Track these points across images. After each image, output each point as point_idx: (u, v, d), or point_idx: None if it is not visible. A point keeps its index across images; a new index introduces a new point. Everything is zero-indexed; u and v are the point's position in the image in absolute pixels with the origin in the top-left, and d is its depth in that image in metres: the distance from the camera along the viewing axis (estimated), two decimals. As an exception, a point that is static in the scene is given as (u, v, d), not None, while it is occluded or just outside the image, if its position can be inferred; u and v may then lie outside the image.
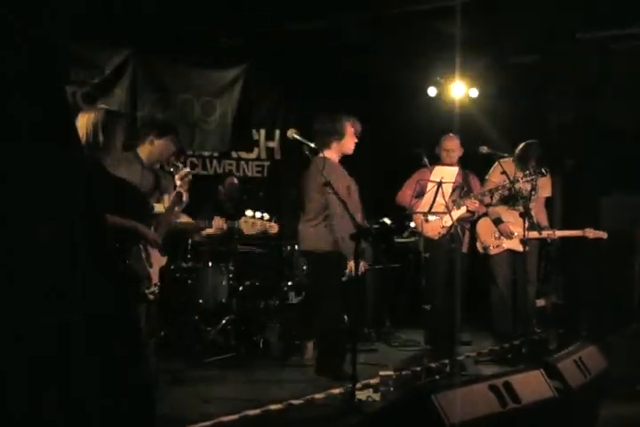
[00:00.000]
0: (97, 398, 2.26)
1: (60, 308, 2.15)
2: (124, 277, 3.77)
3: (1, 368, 2.04)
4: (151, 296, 4.17)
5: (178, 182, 4.51)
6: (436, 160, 6.43)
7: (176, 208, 4.48)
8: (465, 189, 6.36)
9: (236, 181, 7.36)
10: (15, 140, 2.10)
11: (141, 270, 4.11)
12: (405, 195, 6.45)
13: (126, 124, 4.17)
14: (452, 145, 6.45)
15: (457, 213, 6.09)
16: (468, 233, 6.52)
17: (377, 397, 4.71)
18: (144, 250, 4.16)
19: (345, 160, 5.63)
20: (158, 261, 4.28)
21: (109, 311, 2.34)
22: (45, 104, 2.20)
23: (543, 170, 6.06)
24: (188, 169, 4.65)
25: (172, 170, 4.65)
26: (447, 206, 5.75)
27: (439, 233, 6.15)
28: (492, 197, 6.43)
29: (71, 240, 2.21)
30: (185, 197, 4.52)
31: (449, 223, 6.11)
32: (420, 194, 6.27)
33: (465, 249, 6.47)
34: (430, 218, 5.99)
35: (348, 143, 5.52)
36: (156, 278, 4.22)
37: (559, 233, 6.44)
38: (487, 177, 6.56)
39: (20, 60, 2.13)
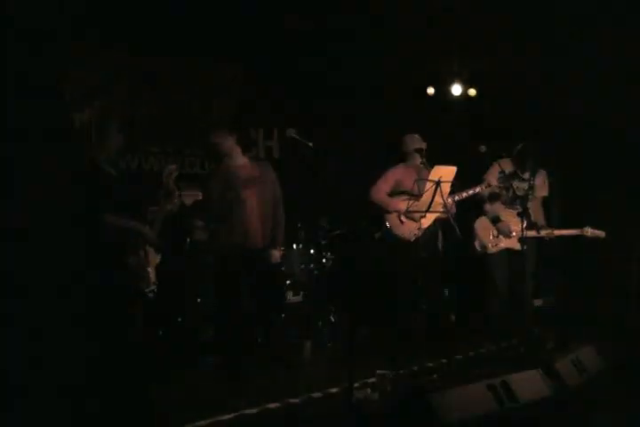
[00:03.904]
0: (95, 396, 2.26)
1: (59, 306, 2.15)
2: (125, 276, 3.79)
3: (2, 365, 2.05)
4: (150, 295, 4.18)
5: (165, 180, 4.50)
6: (403, 159, 6.45)
7: (168, 206, 4.47)
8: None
9: None
10: (16, 141, 2.10)
11: (141, 270, 4.12)
12: (381, 191, 6.36)
13: (122, 121, 4.17)
14: (421, 140, 6.42)
15: (435, 215, 6.06)
16: (440, 233, 6.45)
17: (375, 396, 4.70)
18: (143, 249, 4.17)
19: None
20: (154, 259, 4.29)
21: (108, 310, 2.34)
22: (45, 105, 2.20)
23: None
24: (173, 166, 4.66)
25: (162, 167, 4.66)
26: (445, 206, 5.75)
27: (415, 235, 6.08)
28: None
29: (71, 239, 2.21)
30: (175, 196, 4.51)
31: (426, 225, 6.08)
32: (397, 192, 6.26)
33: (440, 248, 6.41)
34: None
35: None
36: (153, 277, 4.23)
37: (558, 232, 6.44)
38: (484, 177, 6.55)
39: (21, 62, 2.13)
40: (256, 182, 5.54)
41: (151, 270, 4.23)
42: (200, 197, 4.74)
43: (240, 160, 5.63)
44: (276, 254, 5.67)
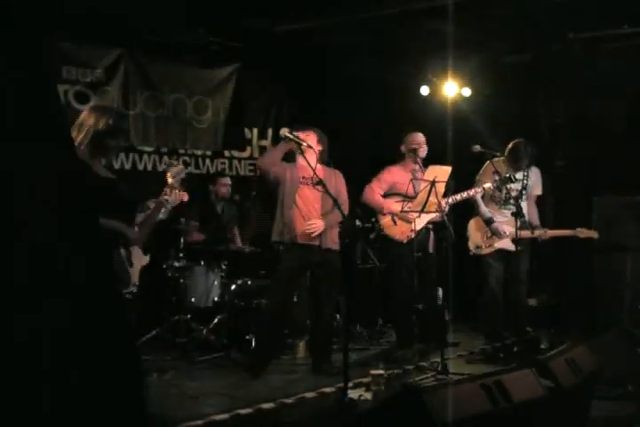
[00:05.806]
0: (89, 396, 2.26)
1: (52, 308, 2.15)
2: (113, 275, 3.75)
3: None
4: (128, 296, 4.12)
5: (170, 180, 4.42)
6: (401, 158, 6.42)
7: (163, 209, 4.38)
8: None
9: (229, 181, 7.22)
10: (8, 141, 2.09)
11: (120, 271, 4.04)
12: (374, 192, 6.30)
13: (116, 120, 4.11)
14: (419, 141, 6.39)
15: (428, 217, 6.06)
16: (432, 234, 6.43)
17: (368, 396, 4.71)
18: (125, 249, 4.11)
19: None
20: (140, 260, 4.22)
21: (102, 312, 2.33)
22: (38, 104, 2.20)
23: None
24: (182, 166, 4.54)
25: (165, 167, 4.57)
26: (440, 206, 5.75)
27: (408, 236, 6.07)
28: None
29: (65, 240, 2.20)
30: (175, 196, 4.37)
31: (419, 226, 6.07)
32: (390, 193, 6.25)
33: (431, 249, 6.38)
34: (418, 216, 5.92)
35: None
36: (135, 278, 4.16)
37: (551, 233, 6.45)
38: (478, 177, 6.56)
39: (10, 62, 2.13)
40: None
41: (133, 271, 4.15)
42: (185, 197, 4.51)
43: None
44: (318, 223, 5.50)
